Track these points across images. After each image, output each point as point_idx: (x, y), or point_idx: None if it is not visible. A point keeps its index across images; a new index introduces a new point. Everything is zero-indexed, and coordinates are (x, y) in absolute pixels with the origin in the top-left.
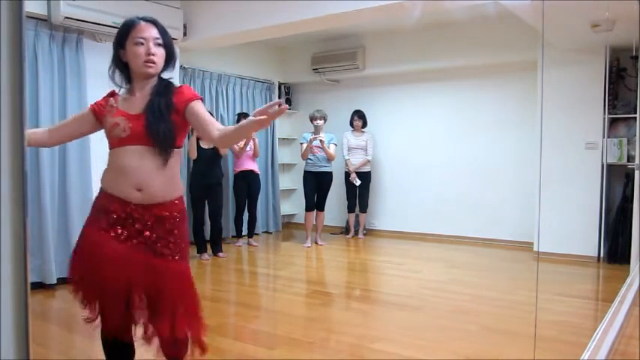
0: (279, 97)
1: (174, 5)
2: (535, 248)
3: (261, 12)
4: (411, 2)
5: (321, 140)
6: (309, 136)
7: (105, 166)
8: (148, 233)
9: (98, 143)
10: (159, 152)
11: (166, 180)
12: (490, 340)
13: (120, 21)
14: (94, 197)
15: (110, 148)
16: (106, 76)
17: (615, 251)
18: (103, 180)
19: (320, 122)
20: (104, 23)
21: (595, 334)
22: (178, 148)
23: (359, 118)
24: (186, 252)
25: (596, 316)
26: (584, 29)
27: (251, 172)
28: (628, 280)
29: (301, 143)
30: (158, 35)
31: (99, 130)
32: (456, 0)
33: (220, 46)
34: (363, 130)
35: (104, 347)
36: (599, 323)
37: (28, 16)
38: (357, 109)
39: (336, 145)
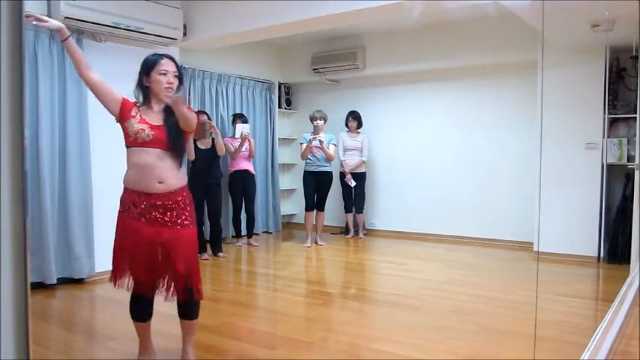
0: (279, 97)
1: (174, 5)
2: (535, 248)
3: (261, 12)
4: (410, 2)
5: (320, 140)
6: (309, 137)
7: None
8: (169, 213)
9: (98, 144)
10: (176, 155)
11: (177, 174)
12: (490, 340)
13: (120, 21)
14: (93, 197)
15: (130, 147)
16: (106, 75)
17: (615, 251)
18: (126, 180)
19: (320, 122)
20: (104, 23)
21: (595, 334)
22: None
23: (354, 119)
24: (195, 221)
25: (596, 316)
26: (584, 29)
27: (246, 171)
28: (628, 280)
29: (301, 143)
30: (175, 69)
31: (114, 115)
32: (456, 0)
33: (220, 46)
34: (358, 130)
35: (132, 303)
36: (599, 323)
37: (28, 16)
38: (353, 109)
39: (335, 145)
